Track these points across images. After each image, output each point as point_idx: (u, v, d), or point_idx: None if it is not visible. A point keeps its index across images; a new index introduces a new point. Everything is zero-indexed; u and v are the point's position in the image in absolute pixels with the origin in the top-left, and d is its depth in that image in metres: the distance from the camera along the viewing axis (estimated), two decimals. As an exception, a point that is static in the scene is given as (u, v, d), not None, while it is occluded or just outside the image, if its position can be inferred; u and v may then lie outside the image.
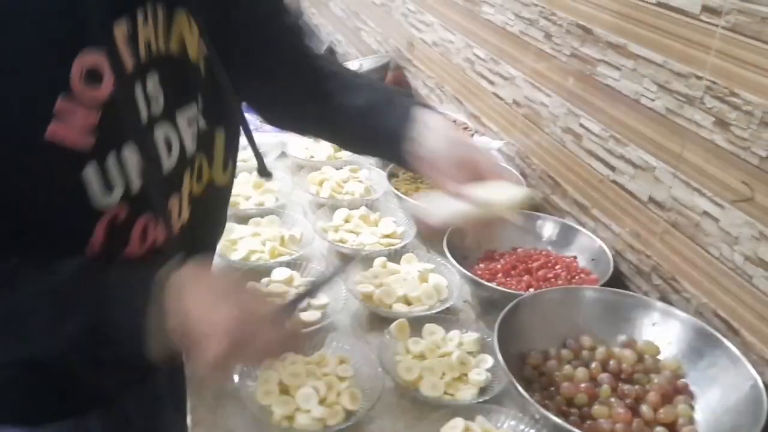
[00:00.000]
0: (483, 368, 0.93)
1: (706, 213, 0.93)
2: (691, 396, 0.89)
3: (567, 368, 0.93)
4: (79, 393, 0.78)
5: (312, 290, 0.89)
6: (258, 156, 0.81)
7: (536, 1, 1.29)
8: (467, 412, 0.85)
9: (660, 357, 0.94)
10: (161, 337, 0.59)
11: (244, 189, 1.37)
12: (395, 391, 0.92)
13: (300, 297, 0.73)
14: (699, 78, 0.91)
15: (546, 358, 0.95)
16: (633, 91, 1.05)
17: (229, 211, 1.25)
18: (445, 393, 0.90)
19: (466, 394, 0.89)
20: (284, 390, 0.88)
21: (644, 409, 0.87)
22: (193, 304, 0.60)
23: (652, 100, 1.01)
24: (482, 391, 0.91)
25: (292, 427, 0.83)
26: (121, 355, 0.63)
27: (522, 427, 0.84)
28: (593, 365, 0.93)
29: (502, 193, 0.78)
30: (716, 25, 0.87)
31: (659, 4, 0.97)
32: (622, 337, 0.97)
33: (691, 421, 0.86)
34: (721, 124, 0.88)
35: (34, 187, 0.61)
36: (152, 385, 0.88)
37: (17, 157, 0.58)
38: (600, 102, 1.14)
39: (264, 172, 0.82)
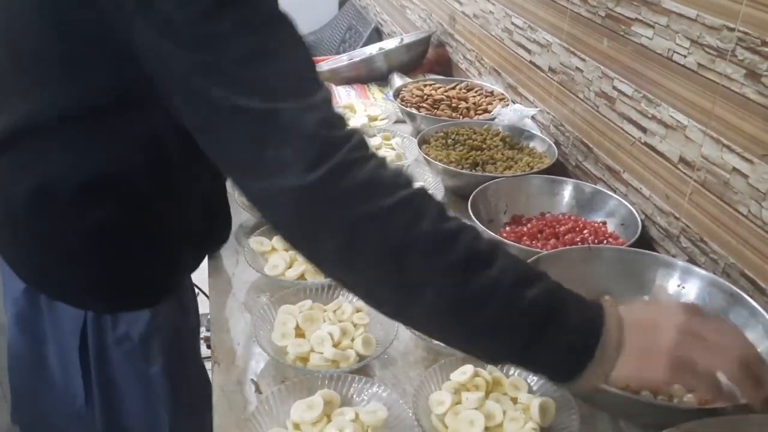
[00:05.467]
0: (499, 322, 0.93)
1: (735, 170, 0.90)
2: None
3: (585, 325, 0.91)
4: (156, 286, 0.95)
5: None
6: None
7: (573, -36, 1.27)
8: (479, 360, 0.85)
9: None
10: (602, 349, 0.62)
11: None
12: (410, 340, 0.93)
13: None
14: (731, 30, 0.88)
15: (564, 315, 0.94)
16: (665, 48, 1.02)
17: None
18: (459, 343, 0.90)
19: (479, 344, 0.89)
20: (300, 334, 0.90)
21: (661, 366, 0.85)
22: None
23: (684, 56, 0.98)
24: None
25: (306, 367, 0.85)
26: (563, 339, 0.63)
27: (532, 377, 0.84)
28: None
29: None
30: (749, -28, 0.84)
31: (693, -43, 0.94)
32: (645, 298, 0.95)
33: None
34: (753, 76, 0.85)
35: None
36: (189, 281, 1.05)
37: None
38: (633, 62, 1.11)
39: None
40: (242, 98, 0.62)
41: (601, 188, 1.21)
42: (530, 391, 0.82)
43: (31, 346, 0.95)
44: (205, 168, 0.85)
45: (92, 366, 0.94)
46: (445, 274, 0.61)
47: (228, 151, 0.65)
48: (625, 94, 1.14)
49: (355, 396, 0.81)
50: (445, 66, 2.03)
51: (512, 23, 1.56)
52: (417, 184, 0.65)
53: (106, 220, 0.84)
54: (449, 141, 1.40)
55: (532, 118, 1.46)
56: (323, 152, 0.60)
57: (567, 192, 1.22)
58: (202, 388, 1.02)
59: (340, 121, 0.65)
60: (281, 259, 1.04)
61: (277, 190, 0.62)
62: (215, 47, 0.62)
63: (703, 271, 0.92)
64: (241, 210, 1.21)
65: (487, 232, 1.08)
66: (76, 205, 0.82)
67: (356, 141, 0.63)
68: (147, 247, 0.89)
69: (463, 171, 1.28)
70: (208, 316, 1.58)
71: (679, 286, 0.94)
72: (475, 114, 1.58)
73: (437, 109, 1.59)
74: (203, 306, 1.05)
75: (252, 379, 0.86)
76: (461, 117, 1.57)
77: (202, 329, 2.07)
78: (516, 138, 1.42)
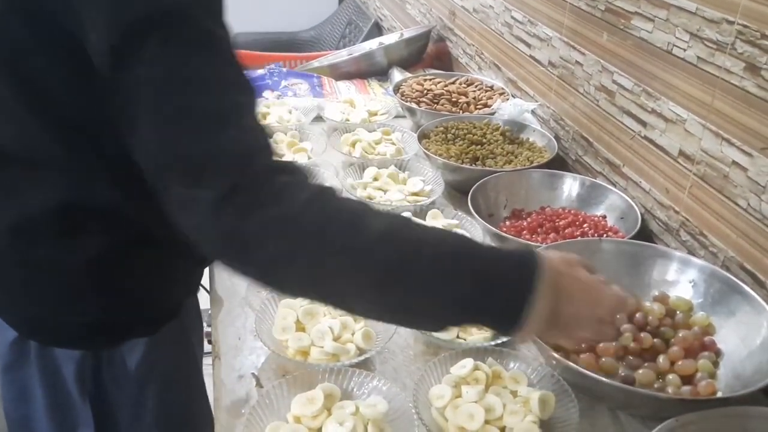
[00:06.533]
0: (499, 316, 0.93)
1: (735, 163, 0.90)
2: (717, 353, 0.87)
3: (587, 318, 0.92)
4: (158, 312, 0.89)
5: None
6: None
7: (573, -43, 1.26)
8: (479, 354, 0.85)
9: (692, 313, 0.92)
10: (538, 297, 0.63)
11: (278, 148, 1.40)
12: (410, 334, 0.93)
13: None
14: (730, 23, 0.88)
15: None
16: (665, 42, 1.02)
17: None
18: (458, 337, 0.91)
19: (479, 338, 0.90)
20: (300, 328, 0.91)
21: (660, 359, 0.85)
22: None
23: (684, 50, 0.98)
24: (496, 336, 0.91)
25: (306, 361, 0.86)
26: (498, 299, 0.64)
27: (532, 370, 0.84)
28: (618, 316, 0.91)
29: None
30: (748, -35, 0.84)
31: (693, -50, 0.94)
32: (654, 293, 0.96)
33: (712, 375, 0.84)
34: (752, 69, 0.85)
35: None
36: (191, 302, 0.97)
37: None
38: (633, 56, 1.11)
39: None
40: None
41: (600, 182, 1.21)
42: (530, 384, 0.82)
43: (16, 404, 0.88)
44: None
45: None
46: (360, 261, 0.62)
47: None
48: (624, 88, 1.14)
49: (355, 389, 0.82)
50: (444, 61, 2.03)
51: (512, 17, 1.56)
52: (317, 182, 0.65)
53: (99, 250, 0.77)
54: (449, 136, 1.40)
55: (532, 112, 1.46)
56: (241, 178, 0.60)
57: (567, 186, 1.22)
58: (198, 408, 0.96)
59: (262, 136, 0.64)
60: (281, 253, 1.04)
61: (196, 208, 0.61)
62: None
63: (699, 261, 0.93)
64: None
65: (486, 226, 1.08)
66: (63, 237, 0.76)
67: (273, 165, 0.64)
68: (146, 273, 0.82)
69: (463, 165, 1.28)
70: (209, 311, 1.57)
71: (691, 282, 0.94)
72: (475, 108, 1.58)
73: (437, 103, 1.59)
74: (203, 301, 1.05)
75: (253, 373, 0.86)
76: (461, 112, 1.57)
77: (203, 324, 2.08)
78: (516, 132, 1.42)
